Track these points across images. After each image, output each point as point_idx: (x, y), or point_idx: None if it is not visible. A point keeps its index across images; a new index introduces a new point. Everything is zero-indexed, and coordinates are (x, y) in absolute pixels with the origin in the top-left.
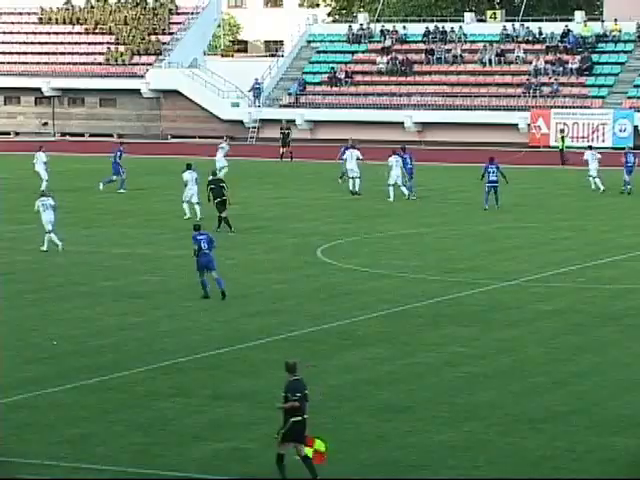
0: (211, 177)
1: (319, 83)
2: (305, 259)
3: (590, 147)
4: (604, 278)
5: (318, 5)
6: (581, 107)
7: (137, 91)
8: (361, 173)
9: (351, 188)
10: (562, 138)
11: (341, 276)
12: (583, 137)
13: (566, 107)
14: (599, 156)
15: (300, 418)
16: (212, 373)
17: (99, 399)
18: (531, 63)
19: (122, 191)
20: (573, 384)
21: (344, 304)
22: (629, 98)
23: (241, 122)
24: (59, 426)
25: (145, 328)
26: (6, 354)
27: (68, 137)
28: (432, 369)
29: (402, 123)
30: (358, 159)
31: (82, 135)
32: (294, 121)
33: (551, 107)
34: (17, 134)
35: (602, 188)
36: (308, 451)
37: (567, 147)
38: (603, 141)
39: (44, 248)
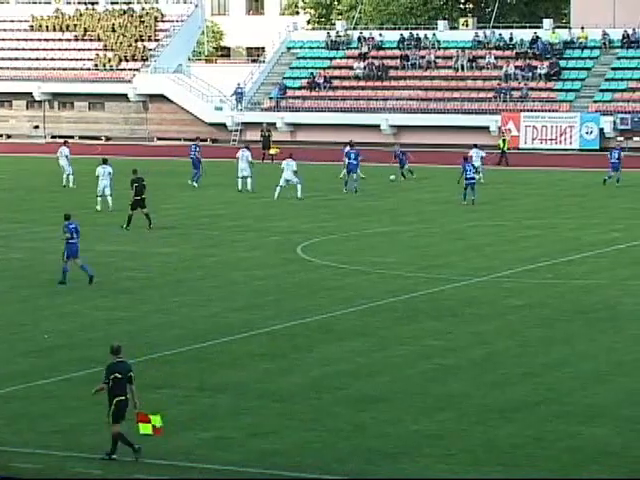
0: (133, 176)
1: (299, 88)
2: (286, 256)
3: (475, 145)
4: (572, 274)
5: (298, 13)
6: (549, 110)
7: (124, 95)
8: (252, 173)
9: (240, 187)
10: (503, 140)
11: (321, 272)
12: (552, 139)
13: (535, 110)
14: (483, 154)
15: (123, 398)
16: (197, 365)
17: (88, 390)
18: (502, 68)
19: (195, 185)
20: (542, 375)
21: (323, 299)
22: (595, 102)
23: (224, 125)
24: (50, 416)
25: (133, 322)
26: None
27: (58, 140)
28: (408, 361)
29: (378, 126)
30: (249, 160)
31: (72, 137)
32: (275, 124)
33: (521, 110)
34: (9, 137)
35: (482, 181)
36: (146, 427)
37: (508, 149)
38: (570, 143)
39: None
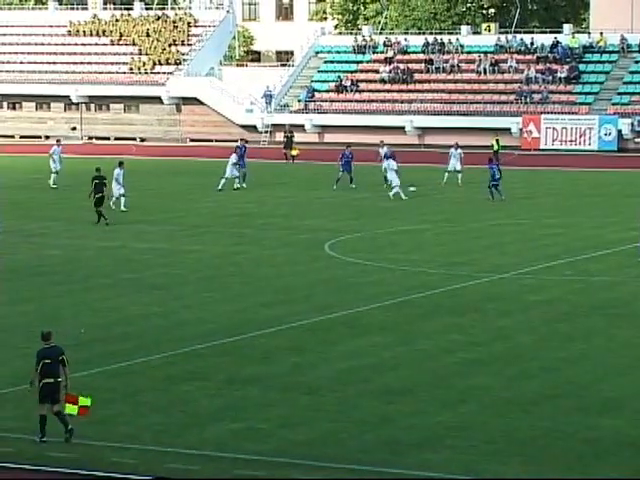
0: (96, 174)
1: (326, 90)
2: (314, 253)
3: (457, 145)
4: (591, 271)
5: (326, 19)
6: (569, 113)
7: (158, 98)
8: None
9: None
10: (497, 141)
11: (347, 269)
12: (571, 140)
13: (555, 113)
14: (460, 152)
15: (52, 380)
16: (227, 359)
17: (123, 382)
18: (523, 72)
19: (242, 185)
20: (562, 369)
21: (349, 295)
22: (613, 105)
23: (254, 127)
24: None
25: (166, 317)
26: (38, 341)
27: (94, 140)
28: (431, 355)
29: (403, 127)
30: (234, 163)
31: (107, 139)
32: (303, 126)
33: (541, 113)
34: (47, 138)
35: (459, 183)
36: (71, 408)
37: (502, 147)
38: (589, 144)
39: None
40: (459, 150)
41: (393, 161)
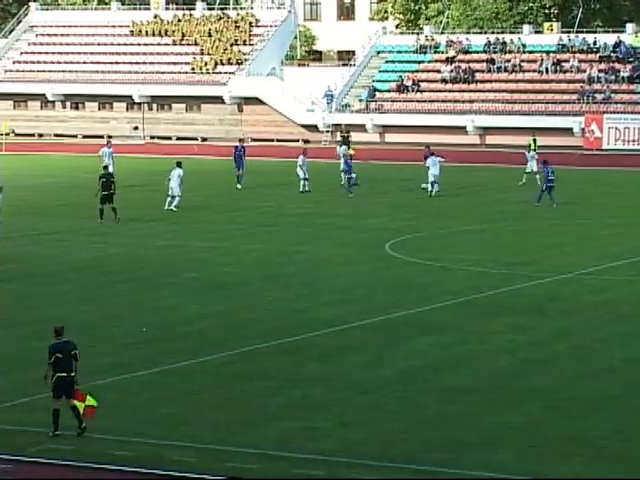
0: (102, 172)
1: (388, 90)
2: (374, 253)
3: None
4: None
5: (387, 18)
6: (632, 112)
7: (220, 98)
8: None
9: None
10: (534, 140)
11: (407, 269)
12: (634, 140)
13: (618, 112)
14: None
15: (65, 374)
16: (287, 358)
17: (183, 381)
18: (585, 72)
19: (237, 187)
20: (623, 369)
21: (410, 295)
22: None
23: (315, 126)
24: (147, 406)
25: (226, 316)
26: (99, 340)
27: (156, 140)
28: (492, 355)
29: (464, 127)
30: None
31: (169, 138)
32: (364, 125)
33: (604, 112)
34: (110, 137)
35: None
36: (80, 405)
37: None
38: None
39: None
40: (532, 152)
41: (436, 158)
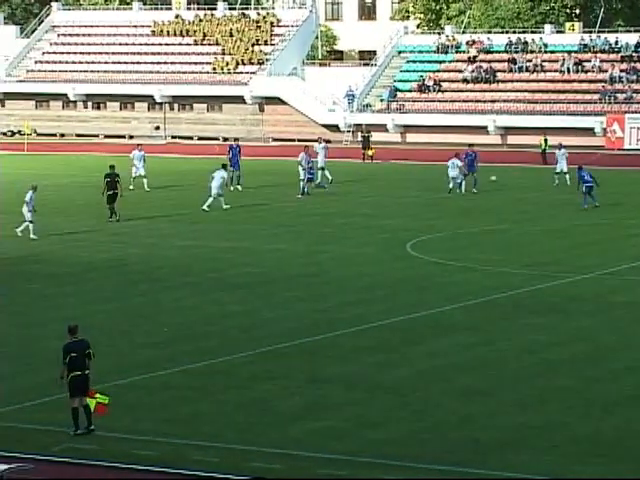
0: (108, 171)
1: (409, 90)
2: (396, 253)
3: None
4: None
5: (408, 18)
6: None
7: (241, 97)
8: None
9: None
10: (545, 140)
11: (429, 269)
12: None
13: (639, 112)
14: (564, 152)
15: (80, 373)
16: (309, 358)
17: (205, 381)
18: (607, 71)
19: (237, 187)
20: None
21: (432, 295)
22: None
23: (337, 126)
24: (169, 406)
25: (248, 316)
26: (121, 339)
27: (178, 140)
28: (513, 355)
29: (486, 127)
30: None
31: (191, 138)
32: (385, 125)
33: (625, 112)
34: (131, 137)
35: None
36: (91, 402)
37: (550, 146)
38: None
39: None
40: (563, 150)
41: (457, 160)
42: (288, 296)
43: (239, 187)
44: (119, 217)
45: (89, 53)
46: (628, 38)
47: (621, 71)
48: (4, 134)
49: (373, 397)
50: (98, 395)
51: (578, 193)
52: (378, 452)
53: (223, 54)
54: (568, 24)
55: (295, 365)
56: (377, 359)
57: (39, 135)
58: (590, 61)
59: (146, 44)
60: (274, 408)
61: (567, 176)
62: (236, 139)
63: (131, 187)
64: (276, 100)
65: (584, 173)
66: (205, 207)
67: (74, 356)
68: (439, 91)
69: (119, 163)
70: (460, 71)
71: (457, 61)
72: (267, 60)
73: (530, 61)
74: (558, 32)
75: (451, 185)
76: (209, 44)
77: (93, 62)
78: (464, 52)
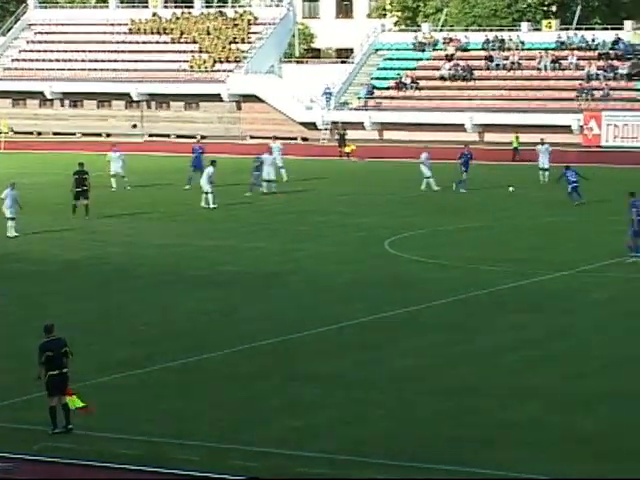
0: (77, 168)
1: (386, 88)
2: (373, 251)
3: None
4: None
5: (385, 16)
6: (630, 110)
7: (218, 95)
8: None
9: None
10: (516, 137)
11: (407, 267)
12: (633, 137)
13: (616, 109)
14: (547, 147)
15: (57, 372)
16: (288, 356)
17: (184, 380)
18: (584, 69)
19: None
20: (625, 367)
21: (410, 293)
22: None
23: (314, 124)
24: (148, 404)
25: (226, 314)
26: (100, 338)
27: (155, 138)
28: (493, 353)
29: (463, 125)
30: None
31: (168, 136)
32: (362, 123)
33: (602, 110)
34: (108, 135)
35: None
36: (71, 401)
37: (520, 144)
38: None
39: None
40: (545, 146)
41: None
42: (267, 294)
43: (187, 187)
44: (88, 214)
45: (66, 51)
46: (605, 35)
47: (598, 69)
48: None
49: (352, 395)
50: (74, 398)
51: (566, 193)
52: (358, 450)
53: (200, 52)
54: (545, 22)
55: (274, 363)
56: (356, 357)
57: (16, 133)
58: (567, 59)
59: (123, 42)
60: (253, 406)
61: (547, 173)
62: (203, 137)
63: (113, 189)
64: (253, 98)
65: (569, 174)
66: (212, 205)
67: (50, 355)
68: (416, 89)
69: (96, 162)
70: (437, 69)
71: (434, 59)
72: (244, 58)
73: (507, 59)
74: (535, 30)
75: (424, 184)
76: (186, 42)
77: (70, 60)
78: (441, 50)
